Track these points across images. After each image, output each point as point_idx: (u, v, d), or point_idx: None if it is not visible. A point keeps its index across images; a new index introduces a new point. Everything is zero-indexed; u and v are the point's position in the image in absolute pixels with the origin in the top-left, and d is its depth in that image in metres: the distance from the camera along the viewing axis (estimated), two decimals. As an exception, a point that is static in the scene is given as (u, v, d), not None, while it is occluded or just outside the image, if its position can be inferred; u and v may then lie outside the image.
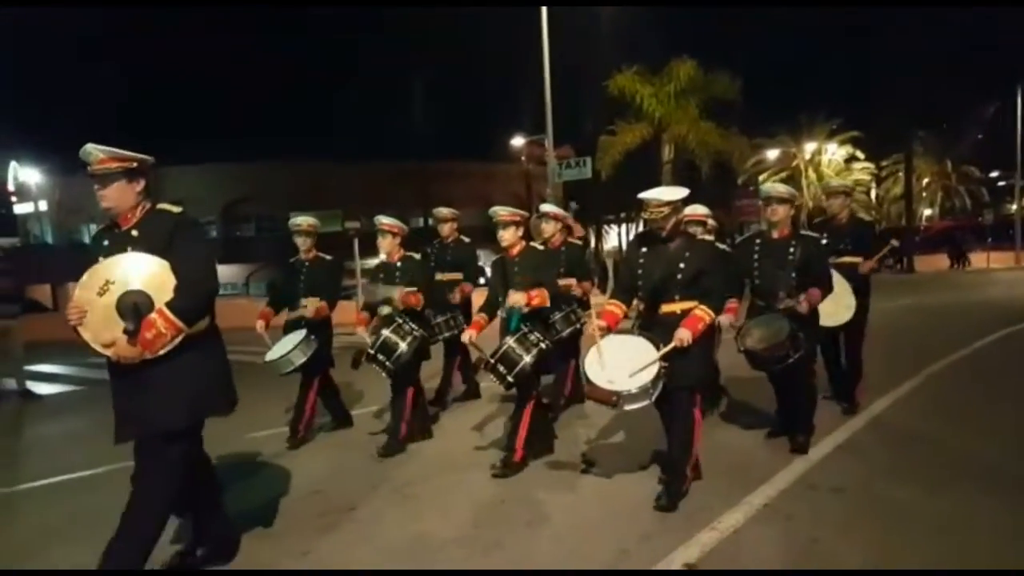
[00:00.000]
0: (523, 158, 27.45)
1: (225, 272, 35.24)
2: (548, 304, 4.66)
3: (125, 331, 2.87)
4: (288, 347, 5.27)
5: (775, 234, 4.81)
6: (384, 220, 5.31)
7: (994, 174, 37.40)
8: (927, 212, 38.01)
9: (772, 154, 33.53)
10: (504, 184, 33.23)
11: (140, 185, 3.08)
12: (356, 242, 18.18)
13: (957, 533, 3.47)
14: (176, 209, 3.18)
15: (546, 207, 6.24)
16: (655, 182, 18.81)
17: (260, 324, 5.41)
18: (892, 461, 4.58)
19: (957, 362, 7.79)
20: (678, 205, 3.99)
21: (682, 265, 3.95)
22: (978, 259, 26.39)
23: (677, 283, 3.96)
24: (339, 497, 4.32)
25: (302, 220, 5.70)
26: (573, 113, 22.49)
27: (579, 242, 6.33)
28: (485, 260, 7.68)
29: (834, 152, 36.15)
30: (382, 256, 5.43)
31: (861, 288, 5.56)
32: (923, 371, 7.17)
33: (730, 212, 30.23)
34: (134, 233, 3.06)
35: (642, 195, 3.99)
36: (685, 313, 3.94)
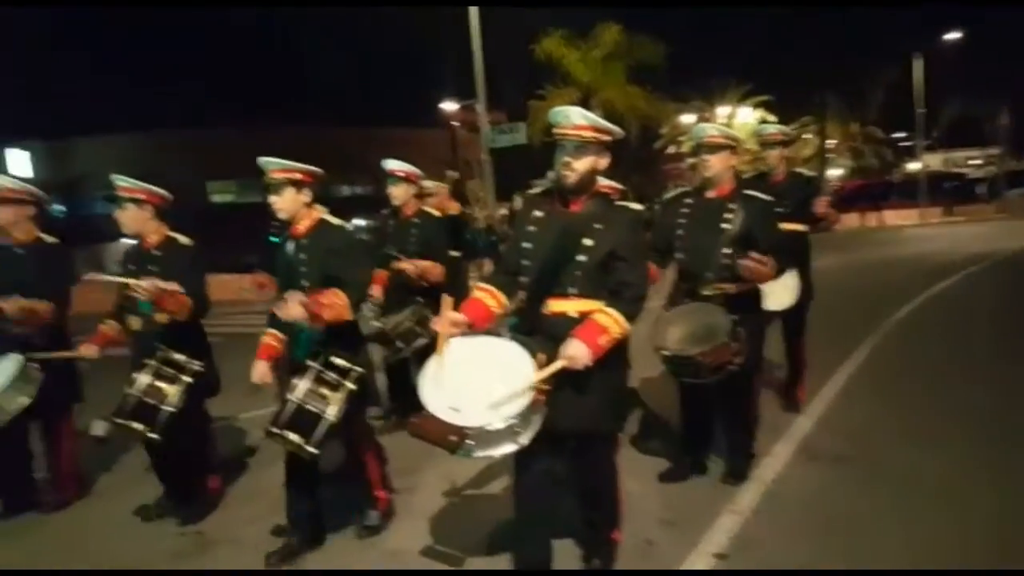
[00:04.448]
0: (455, 123, 26.75)
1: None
2: (349, 316, 3.18)
3: None
4: None
5: (711, 193, 3.71)
6: (122, 182, 3.65)
7: (898, 135, 39.70)
8: (836, 173, 39.86)
9: (687, 119, 34.10)
10: (429, 150, 32.42)
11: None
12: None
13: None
14: None
15: (391, 163, 4.86)
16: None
17: None
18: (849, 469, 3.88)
19: (899, 325, 7.94)
20: (606, 144, 2.74)
21: (588, 242, 2.68)
22: (887, 216, 27.94)
23: (576, 268, 2.71)
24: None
25: (5, 182, 3.86)
26: (502, 78, 22.05)
27: (436, 212, 5.06)
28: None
29: (747, 116, 37.20)
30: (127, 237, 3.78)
31: (803, 263, 4.64)
32: (865, 343, 6.76)
33: (655, 177, 30.67)
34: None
35: (557, 110, 2.78)
36: (583, 318, 2.68)
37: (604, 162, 2.76)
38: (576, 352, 2.54)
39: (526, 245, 2.82)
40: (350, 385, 3.14)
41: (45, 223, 4.09)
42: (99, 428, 3.50)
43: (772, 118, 37.65)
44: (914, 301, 9.12)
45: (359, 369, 3.21)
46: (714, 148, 3.62)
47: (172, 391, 3.43)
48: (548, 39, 21.46)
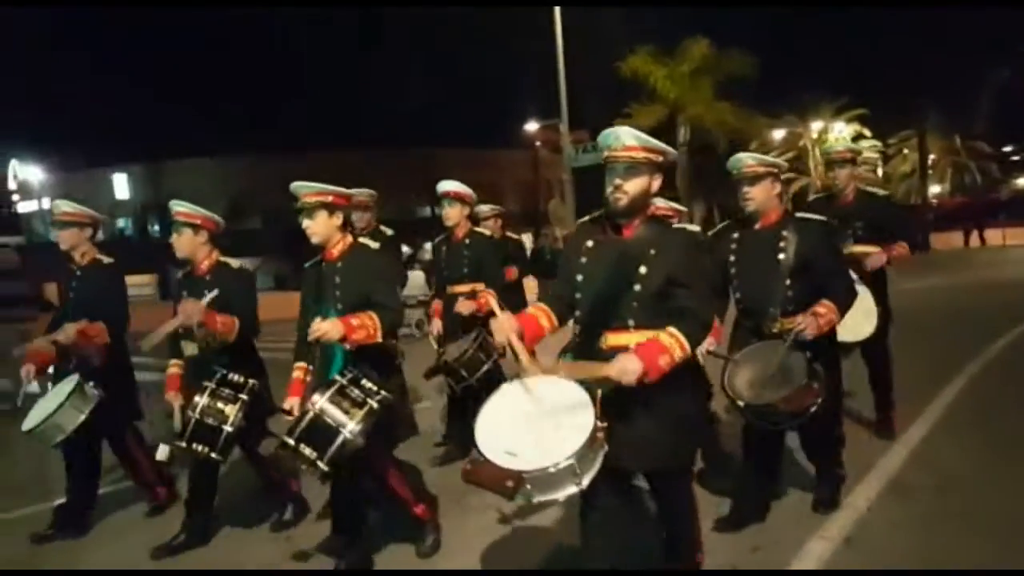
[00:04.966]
0: (538, 144, 27.16)
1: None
2: (380, 338, 3.12)
3: None
4: (51, 405, 3.71)
5: (758, 224, 3.46)
6: (180, 207, 3.65)
7: (1007, 148, 37.15)
8: (936, 189, 37.76)
9: (778, 134, 33.07)
10: (509, 171, 32.91)
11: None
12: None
13: None
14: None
15: (445, 184, 4.79)
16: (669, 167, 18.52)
17: (27, 370, 3.85)
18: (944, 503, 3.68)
19: (1001, 354, 7.40)
20: (658, 164, 2.60)
21: (643, 270, 2.53)
22: (993, 236, 26.22)
23: (633, 298, 2.55)
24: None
25: (62, 205, 4.01)
26: (585, 96, 22.25)
27: (485, 232, 5.10)
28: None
29: (841, 131, 35.77)
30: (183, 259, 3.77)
31: (879, 287, 4.34)
32: (963, 372, 6.31)
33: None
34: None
35: (606, 132, 2.64)
36: None
37: (656, 183, 2.62)
38: (629, 366, 2.36)
39: (579, 277, 2.66)
40: (374, 404, 3.02)
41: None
42: (162, 452, 3.55)
43: (867, 132, 36.28)
44: (1018, 328, 8.50)
45: (386, 394, 3.10)
46: (754, 179, 3.36)
47: (231, 411, 3.44)
48: (634, 56, 21.48)
